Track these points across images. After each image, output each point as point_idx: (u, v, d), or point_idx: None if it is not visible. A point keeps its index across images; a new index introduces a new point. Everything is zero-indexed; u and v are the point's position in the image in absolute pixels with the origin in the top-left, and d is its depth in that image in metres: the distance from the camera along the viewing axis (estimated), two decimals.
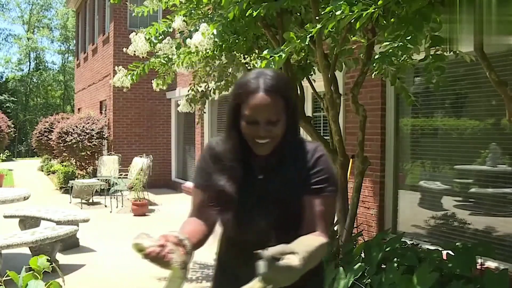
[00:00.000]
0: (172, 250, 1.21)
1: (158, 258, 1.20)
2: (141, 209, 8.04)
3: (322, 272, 1.59)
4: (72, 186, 9.37)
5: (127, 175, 9.45)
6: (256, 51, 3.67)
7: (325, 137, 3.78)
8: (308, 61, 3.75)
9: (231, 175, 1.42)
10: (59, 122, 12.75)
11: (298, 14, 3.36)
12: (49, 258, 1.85)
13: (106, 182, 9.56)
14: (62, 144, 10.88)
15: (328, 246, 1.19)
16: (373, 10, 1.82)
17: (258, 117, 1.33)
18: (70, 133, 10.82)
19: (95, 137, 10.85)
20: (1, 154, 18.90)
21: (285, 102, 1.35)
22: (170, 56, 3.64)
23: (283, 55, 2.05)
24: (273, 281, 1.09)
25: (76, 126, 10.93)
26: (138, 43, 3.49)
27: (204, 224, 1.43)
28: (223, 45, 3.06)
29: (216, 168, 1.45)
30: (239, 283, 1.25)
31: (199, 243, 1.37)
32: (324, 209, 1.34)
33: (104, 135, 11.21)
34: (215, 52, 3.21)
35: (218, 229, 1.50)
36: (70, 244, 5.61)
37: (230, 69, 4.23)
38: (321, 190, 1.36)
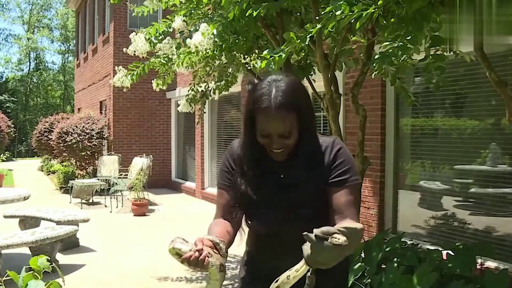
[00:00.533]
0: (209, 254, 1.24)
1: (198, 262, 1.23)
2: (141, 209, 8.04)
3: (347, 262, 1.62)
4: (72, 186, 9.37)
5: (127, 175, 9.45)
6: (256, 51, 3.67)
7: None
8: (308, 61, 3.75)
9: (251, 178, 1.48)
10: (59, 122, 12.75)
11: (298, 14, 3.35)
12: (49, 258, 1.85)
13: (106, 182, 9.56)
14: (62, 144, 10.88)
15: (362, 231, 1.20)
16: (373, 10, 1.82)
17: (270, 131, 1.39)
18: (70, 133, 10.82)
19: (95, 137, 10.85)
20: (1, 154, 18.90)
21: (298, 112, 1.39)
22: (170, 56, 3.64)
23: (283, 55, 2.05)
24: (319, 262, 1.12)
25: (76, 126, 10.93)
26: (138, 43, 3.48)
27: (231, 224, 1.48)
28: (223, 45, 3.06)
29: (237, 170, 1.51)
30: (270, 277, 1.32)
31: (229, 243, 1.42)
32: (352, 198, 1.40)
33: (104, 135, 11.21)
34: (215, 52, 3.21)
35: (244, 229, 1.56)
36: (70, 244, 5.61)
37: (230, 69, 4.23)
38: (345, 181, 1.42)
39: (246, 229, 1.59)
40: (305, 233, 1.12)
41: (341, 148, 1.48)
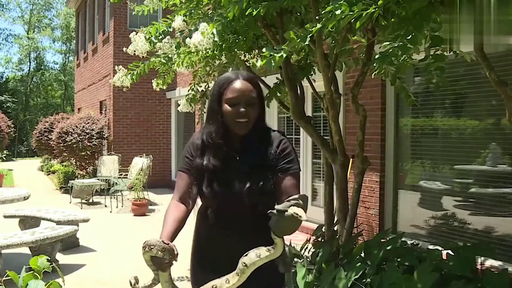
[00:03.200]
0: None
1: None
2: (141, 209, 8.03)
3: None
4: (72, 186, 9.37)
5: (127, 175, 9.45)
6: (256, 50, 3.67)
7: (325, 137, 3.77)
8: (308, 61, 3.75)
9: (214, 152, 1.70)
10: (59, 122, 12.75)
11: (298, 14, 3.35)
12: (49, 258, 1.85)
13: (106, 182, 9.56)
14: (62, 144, 10.88)
15: (307, 198, 1.45)
16: (373, 10, 1.82)
17: (239, 98, 1.66)
18: (70, 133, 10.82)
19: (95, 137, 10.84)
20: (1, 154, 18.90)
21: (258, 93, 1.71)
22: (170, 56, 3.63)
23: (283, 54, 2.05)
24: (284, 231, 1.38)
25: (76, 126, 10.93)
26: (138, 42, 3.48)
27: (185, 206, 1.71)
28: (223, 45, 3.06)
29: (196, 154, 1.73)
30: (217, 261, 1.69)
31: (179, 228, 1.65)
32: (295, 182, 1.69)
33: (104, 135, 11.21)
34: (215, 51, 3.21)
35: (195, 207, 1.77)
36: (70, 244, 5.61)
37: (230, 68, 4.23)
38: (290, 168, 1.69)
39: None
40: (269, 211, 1.37)
41: (286, 142, 1.74)
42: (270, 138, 1.74)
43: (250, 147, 1.70)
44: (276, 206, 1.34)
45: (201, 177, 1.70)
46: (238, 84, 1.68)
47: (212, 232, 1.75)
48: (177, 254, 1.50)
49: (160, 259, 1.48)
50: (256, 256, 1.42)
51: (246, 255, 1.43)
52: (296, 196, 1.37)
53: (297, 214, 1.32)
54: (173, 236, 1.59)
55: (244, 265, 1.42)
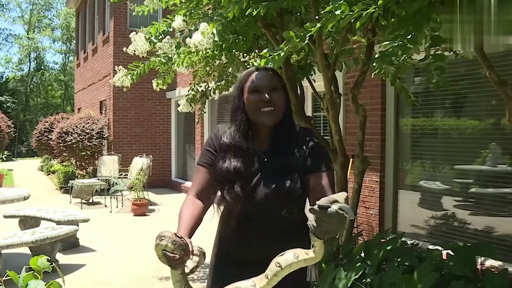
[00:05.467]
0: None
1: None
2: (141, 209, 8.04)
3: None
4: (72, 186, 9.37)
5: (127, 175, 9.45)
6: (256, 51, 3.67)
7: (325, 137, 3.77)
8: (308, 61, 3.75)
9: (237, 154, 1.57)
10: (59, 122, 12.74)
11: (298, 14, 3.35)
12: (49, 258, 1.85)
13: (106, 182, 9.56)
14: (62, 144, 10.88)
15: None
16: (373, 10, 1.82)
17: (260, 84, 1.57)
18: (70, 133, 10.82)
19: (95, 137, 10.84)
20: (1, 154, 18.90)
21: (281, 83, 1.61)
22: (170, 56, 3.63)
23: (283, 54, 2.05)
24: (326, 231, 1.16)
25: (76, 126, 10.93)
26: (138, 42, 3.48)
27: (202, 202, 1.59)
28: (223, 45, 3.06)
29: (220, 155, 1.60)
30: (240, 261, 1.56)
31: (196, 225, 1.53)
32: (328, 182, 1.53)
33: (104, 135, 11.21)
34: (215, 51, 3.21)
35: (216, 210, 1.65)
36: (70, 244, 5.61)
37: (230, 69, 4.23)
38: (321, 168, 1.54)
39: (217, 212, 1.67)
40: (309, 207, 1.16)
41: (316, 140, 1.62)
42: (299, 136, 1.61)
43: (278, 146, 1.58)
44: (318, 202, 1.14)
45: (223, 180, 1.57)
46: (258, 73, 1.60)
47: (234, 237, 1.64)
48: (193, 251, 1.35)
49: (171, 255, 1.31)
50: (294, 257, 1.21)
51: (281, 255, 1.23)
52: (336, 195, 1.18)
53: (343, 210, 1.12)
54: (190, 233, 1.47)
55: (278, 265, 1.21)
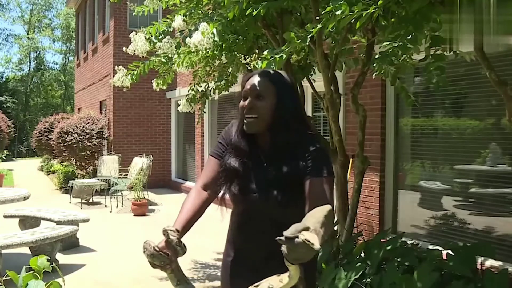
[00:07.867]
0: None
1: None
2: (141, 209, 8.04)
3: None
4: (72, 186, 9.37)
5: (127, 175, 9.45)
6: (256, 51, 3.67)
7: (325, 137, 3.77)
8: (308, 61, 3.75)
9: (236, 153, 1.60)
10: (59, 122, 12.75)
11: (298, 14, 3.35)
12: (49, 258, 1.85)
13: (106, 182, 9.56)
14: (62, 144, 10.88)
15: (332, 212, 1.31)
16: (373, 10, 1.82)
17: (247, 91, 1.55)
18: (70, 133, 10.82)
19: (95, 137, 10.84)
20: (1, 154, 18.90)
21: (277, 89, 1.55)
22: (170, 56, 3.63)
23: (284, 56, 2.05)
24: (297, 258, 1.18)
25: (76, 126, 10.93)
26: (138, 42, 3.48)
27: (207, 194, 1.61)
28: (223, 45, 3.06)
29: (230, 144, 1.64)
30: (238, 261, 1.62)
31: (199, 214, 1.57)
32: (324, 188, 1.49)
33: (104, 135, 11.21)
34: (215, 52, 3.21)
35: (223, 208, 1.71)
36: (70, 244, 5.61)
37: (230, 69, 4.23)
38: (319, 172, 1.51)
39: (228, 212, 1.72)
40: (277, 237, 1.17)
41: (319, 145, 1.57)
42: (302, 141, 1.56)
43: (279, 151, 1.56)
44: (285, 232, 1.16)
45: (226, 176, 1.61)
46: (253, 78, 1.57)
47: (237, 234, 1.68)
48: (171, 259, 1.49)
49: (152, 264, 1.49)
50: None
51: (256, 286, 1.28)
52: (312, 216, 1.21)
53: (308, 241, 1.13)
54: (187, 225, 1.51)
55: None
